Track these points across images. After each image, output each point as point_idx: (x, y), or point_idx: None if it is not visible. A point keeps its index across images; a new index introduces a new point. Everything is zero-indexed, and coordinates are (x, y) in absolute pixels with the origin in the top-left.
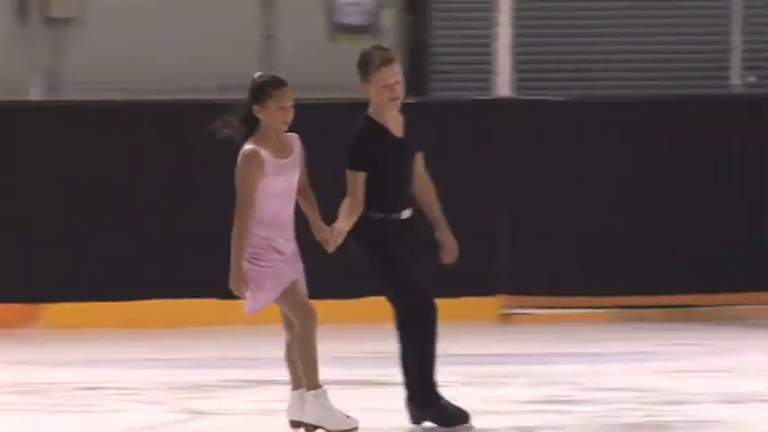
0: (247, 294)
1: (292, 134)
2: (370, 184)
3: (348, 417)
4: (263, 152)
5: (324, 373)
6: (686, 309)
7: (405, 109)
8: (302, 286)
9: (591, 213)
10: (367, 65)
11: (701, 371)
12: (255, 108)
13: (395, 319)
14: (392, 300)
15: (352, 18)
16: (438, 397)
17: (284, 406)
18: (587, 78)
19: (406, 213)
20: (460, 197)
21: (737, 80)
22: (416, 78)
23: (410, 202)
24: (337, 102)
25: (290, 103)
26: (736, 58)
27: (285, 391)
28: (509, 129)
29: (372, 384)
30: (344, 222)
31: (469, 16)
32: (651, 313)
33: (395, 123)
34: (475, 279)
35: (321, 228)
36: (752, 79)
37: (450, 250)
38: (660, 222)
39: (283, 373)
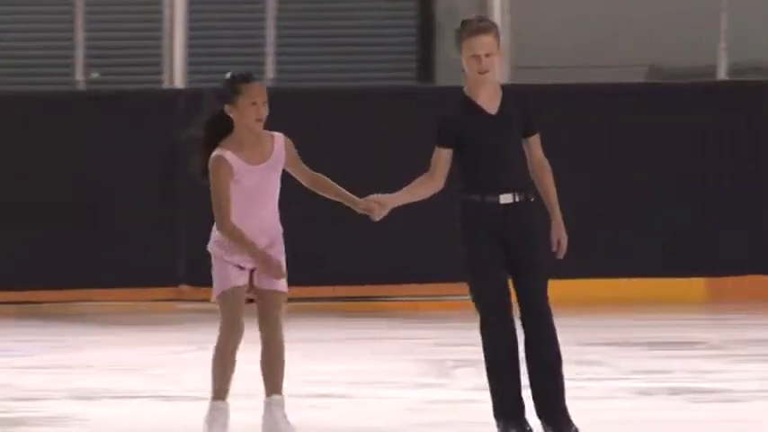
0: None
1: (276, 133)
2: (463, 164)
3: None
4: (230, 155)
5: None
6: (34, 305)
7: None
8: (243, 295)
9: None
10: (457, 34)
11: (48, 367)
12: (227, 108)
13: None
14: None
15: None
16: (515, 414)
17: None
18: None
19: (506, 197)
20: None
21: (81, 76)
22: None
23: (511, 185)
24: None
25: (262, 99)
26: (79, 55)
27: None
28: None
29: None
30: (399, 196)
31: None
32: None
33: (488, 99)
34: None
35: (354, 201)
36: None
37: (559, 243)
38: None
39: None
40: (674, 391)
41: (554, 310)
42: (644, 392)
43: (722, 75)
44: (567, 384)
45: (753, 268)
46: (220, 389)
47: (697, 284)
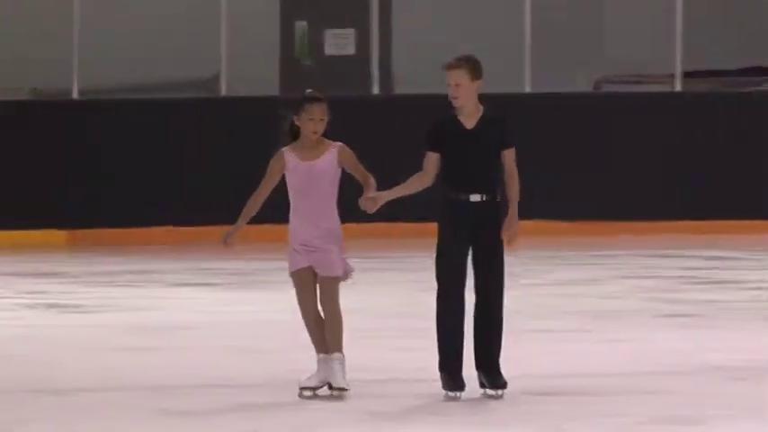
0: None
1: (336, 143)
2: (444, 168)
3: (309, 377)
4: (289, 153)
5: None
6: None
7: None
8: (312, 276)
9: None
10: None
11: None
12: (295, 118)
13: None
14: None
15: None
16: (449, 366)
17: None
18: None
19: (474, 197)
20: None
21: None
22: None
23: (482, 188)
24: None
25: (318, 117)
26: None
27: None
28: None
29: None
30: (395, 190)
31: None
32: None
33: (468, 117)
34: None
35: (366, 192)
36: None
37: (508, 231)
38: None
39: None
40: (50, 306)
41: None
42: (30, 307)
43: (75, 94)
44: None
45: (108, 222)
46: (316, 344)
47: (58, 235)
